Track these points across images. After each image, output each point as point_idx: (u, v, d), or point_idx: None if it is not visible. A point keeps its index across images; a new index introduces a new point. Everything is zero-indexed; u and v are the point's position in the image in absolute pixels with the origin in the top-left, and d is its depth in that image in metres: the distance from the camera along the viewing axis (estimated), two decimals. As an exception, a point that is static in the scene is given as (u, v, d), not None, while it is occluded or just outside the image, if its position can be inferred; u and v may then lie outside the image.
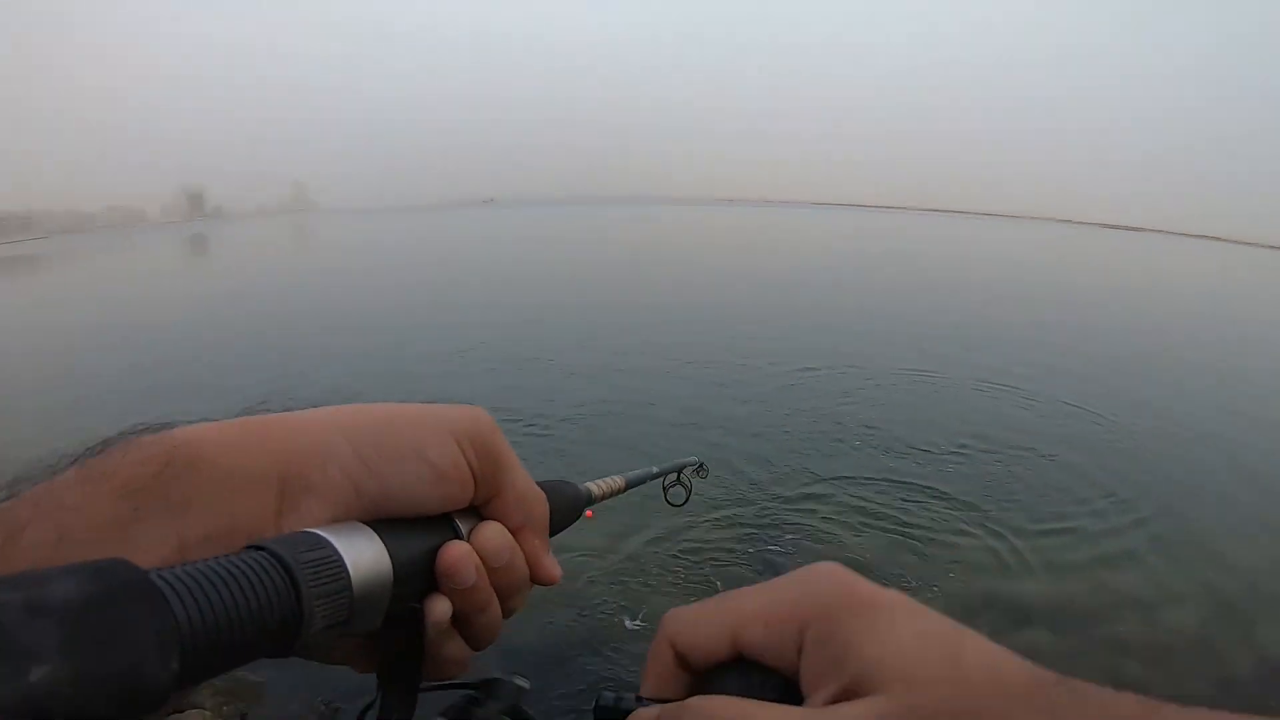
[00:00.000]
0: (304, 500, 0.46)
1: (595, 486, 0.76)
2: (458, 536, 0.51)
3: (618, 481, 0.83)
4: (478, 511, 0.53)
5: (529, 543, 0.55)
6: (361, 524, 0.46)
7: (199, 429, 0.46)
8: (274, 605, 0.36)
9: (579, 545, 6.00)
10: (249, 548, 0.39)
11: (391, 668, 0.50)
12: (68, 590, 0.28)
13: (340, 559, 0.41)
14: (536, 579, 0.56)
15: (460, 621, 0.51)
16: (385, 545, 0.45)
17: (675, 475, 1.09)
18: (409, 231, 77.50)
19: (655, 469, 1.03)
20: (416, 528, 0.49)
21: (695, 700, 0.41)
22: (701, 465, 1.17)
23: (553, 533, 0.59)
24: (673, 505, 1.10)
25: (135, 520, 0.40)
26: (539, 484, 0.58)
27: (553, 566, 0.56)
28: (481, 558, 0.51)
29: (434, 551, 0.49)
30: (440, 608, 0.49)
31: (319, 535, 0.42)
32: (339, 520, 0.46)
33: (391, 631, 0.47)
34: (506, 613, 0.54)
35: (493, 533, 0.52)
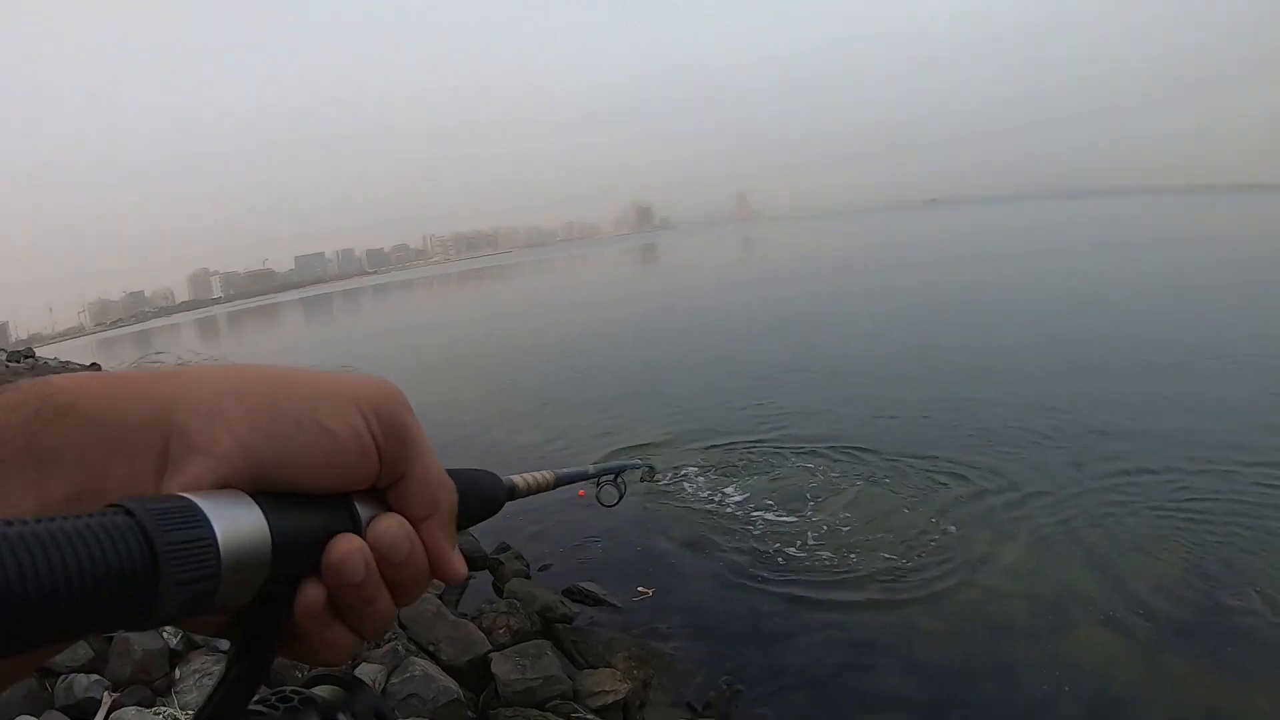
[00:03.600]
0: (187, 462, 0.41)
1: (521, 480, 0.77)
2: (354, 523, 0.46)
3: (546, 476, 0.84)
4: (381, 496, 0.48)
5: (432, 535, 0.50)
6: (243, 493, 0.40)
7: (77, 378, 0.42)
8: (125, 575, 0.32)
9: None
10: (107, 506, 0.34)
11: (247, 643, 0.44)
12: None
13: (210, 531, 0.36)
14: (438, 574, 0.51)
15: (343, 611, 0.46)
16: (266, 520, 0.40)
17: (614, 476, 1.15)
18: (846, 233, 77.88)
19: (591, 468, 1.08)
20: (307, 506, 0.44)
21: None
22: (650, 469, 1.52)
23: (465, 525, 0.56)
24: (603, 505, 1.21)
25: None
26: (451, 472, 0.54)
27: (457, 563, 0.51)
28: (376, 551, 0.46)
29: (323, 536, 0.44)
30: (313, 594, 0.44)
31: (190, 501, 0.37)
32: (224, 482, 0.41)
33: (258, 607, 0.42)
34: (401, 604, 0.49)
35: (392, 524, 0.47)
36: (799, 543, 5.84)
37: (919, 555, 5.47)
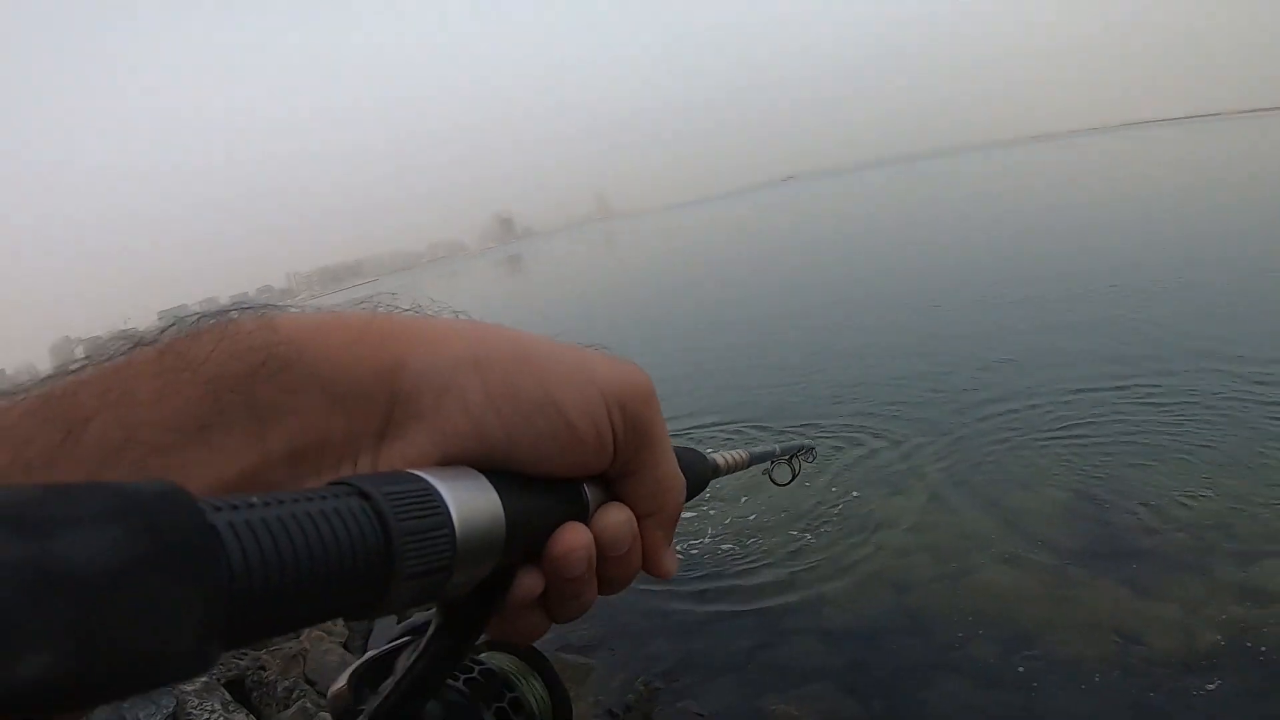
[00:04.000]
0: (412, 429, 0.40)
1: (721, 459, 0.75)
2: (582, 513, 0.45)
3: (742, 455, 0.84)
4: (609, 484, 0.47)
5: (652, 533, 0.49)
6: (480, 475, 0.39)
7: (306, 323, 0.39)
8: (358, 567, 0.30)
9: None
10: (339, 483, 0.32)
11: (450, 620, 0.42)
12: (98, 548, 0.21)
13: (449, 519, 0.35)
14: (649, 570, 0.50)
15: (550, 598, 0.45)
16: (503, 508, 0.38)
17: (791, 456, 1.15)
18: (710, 219, 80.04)
19: (778, 447, 1.12)
20: (540, 492, 0.42)
21: None
22: (812, 449, 1.28)
23: None
24: (776, 484, 1.17)
25: (216, 425, 0.35)
26: (675, 448, 0.51)
27: (670, 562, 0.50)
28: (598, 544, 0.45)
29: (551, 524, 0.43)
30: (530, 585, 0.43)
31: (428, 483, 0.35)
32: (448, 459, 0.40)
33: (473, 594, 0.40)
34: (604, 594, 0.48)
35: (619, 518, 0.46)
36: (698, 537, 5.71)
37: (819, 527, 5.45)
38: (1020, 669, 3.74)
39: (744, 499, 6.08)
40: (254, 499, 0.27)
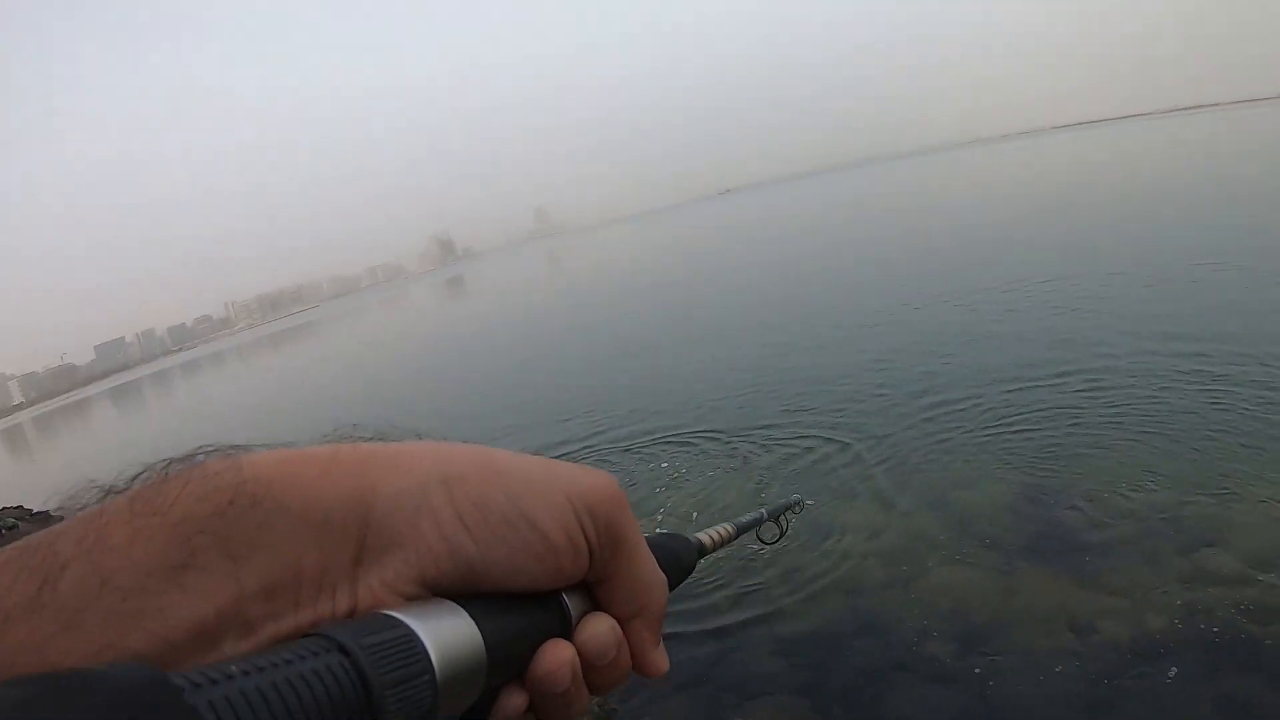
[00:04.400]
0: (387, 555, 0.40)
1: (707, 538, 0.74)
2: (565, 625, 0.44)
3: (728, 529, 0.81)
4: (589, 591, 0.47)
5: (638, 635, 0.48)
6: (457, 607, 0.39)
7: (272, 459, 0.40)
8: None
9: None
10: (317, 636, 0.34)
11: None
12: None
13: (429, 664, 0.35)
14: (638, 671, 0.50)
15: (539, 710, 0.45)
16: (483, 638, 0.39)
17: (779, 515, 1.09)
18: (648, 234, 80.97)
19: (764, 511, 1.04)
20: (519, 611, 0.42)
21: None
22: (800, 503, 1.22)
23: None
24: (765, 543, 1.09)
25: (189, 566, 0.36)
26: (654, 541, 0.53)
27: (660, 660, 0.50)
28: (583, 655, 0.45)
29: (533, 643, 0.43)
30: (516, 702, 0.43)
31: (407, 629, 0.36)
32: (425, 582, 0.40)
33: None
34: (597, 695, 0.48)
35: (602, 629, 0.46)
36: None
37: (804, 503, 5.41)
38: (976, 666, 3.74)
39: (695, 515, 6.04)
40: (233, 668, 0.28)
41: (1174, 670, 3.41)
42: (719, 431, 7.86)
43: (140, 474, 0.38)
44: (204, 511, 0.36)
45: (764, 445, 7.15)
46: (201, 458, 0.39)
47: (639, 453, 7.87)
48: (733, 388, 9.55)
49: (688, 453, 7.54)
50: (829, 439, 6.94)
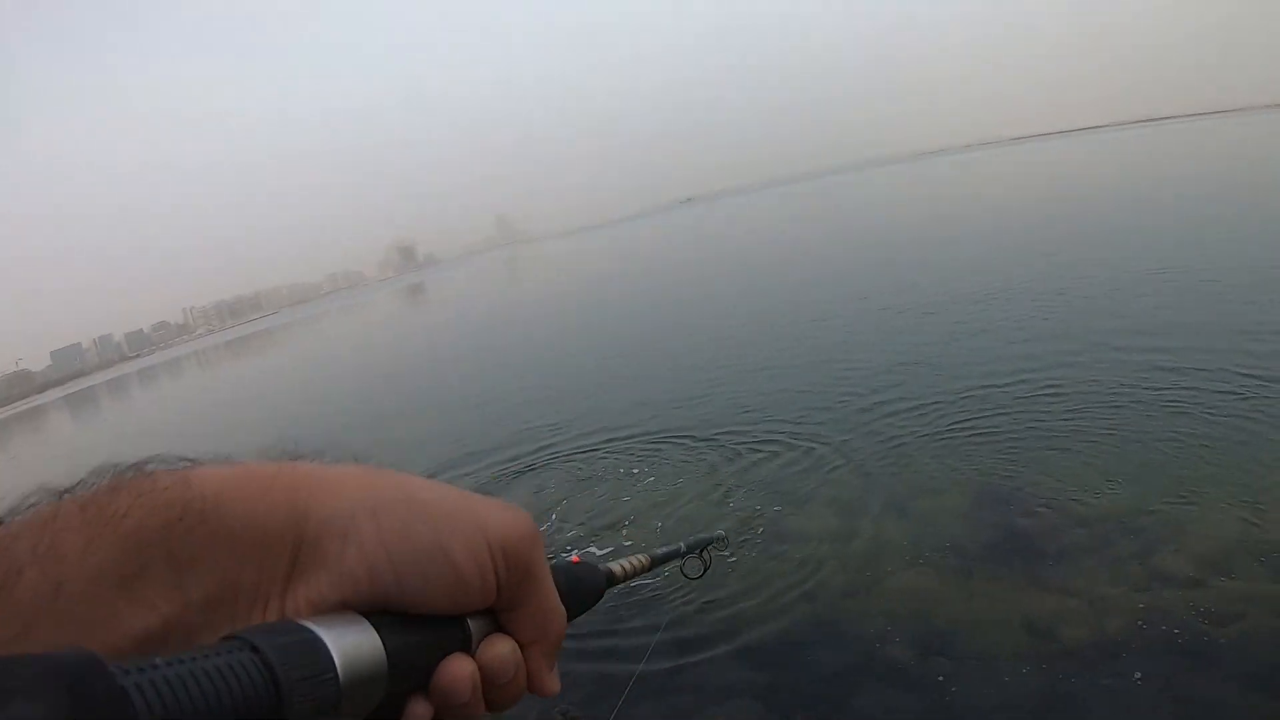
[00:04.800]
0: (314, 574, 0.44)
1: (618, 567, 0.79)
2: (466, 645, 0.48)
3: (642, 560, 0.85)
4: (493, 616, 0.50)
5: (536, 660, 0.52)
6: (364, 620, 0.43)
7: (219, 476, 0.43)
8: (253, 712, 0.34)
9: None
10: (234, 638, 0.37)
11: None
12: (30, 714, 0.26)
13: (331, 664, 0.39)
14: (534, 691, 0.54)
15: None
16: (385, 649, 0.42)
17: (701, 549, 1.14)
18: (611, 242, 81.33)
19: (683, 544, 1.11)
20: (423, 628, 0.46)
21: None
22: (723, 539, 1.23)
23: (569, 620, 0.57)
24: (688, 578, 1.13)
25: (138, 577, 0.38)
26: (561, 569, 0.56)
27: (553, 683, 0.54)
28: (484, 672, 0.48)
29: (436, 657, 0.46)
30: (420, 711, 0.46)
31: (314, 634, 0.39)
32: (345, 600, 0.44)
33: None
34: (493, 712, 0.51)
35: (502, 650, 0.49)
36: (615, 559, 5.60)
37: (732, 542, 5.40)
38: (937, 669, 3.75)
39: (658, 524, 6.02)
40: (159, 660, 0.31)
41: (1133, 672, 3.44)
42: (681, 436, 7.84)
43: (88, 485, 0.40)
44: (155, 524, 0.39)
45: (724, 450, 7.14)
46: (152, 467, 0.42)
47: (592, 456, 7.88)
48: (692, 393, 9.55)
49: (642, 457, 7.53)
50: (789, 444, 6.96)
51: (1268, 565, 4.00)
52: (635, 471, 7.19)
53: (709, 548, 1.26)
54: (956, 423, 6.53)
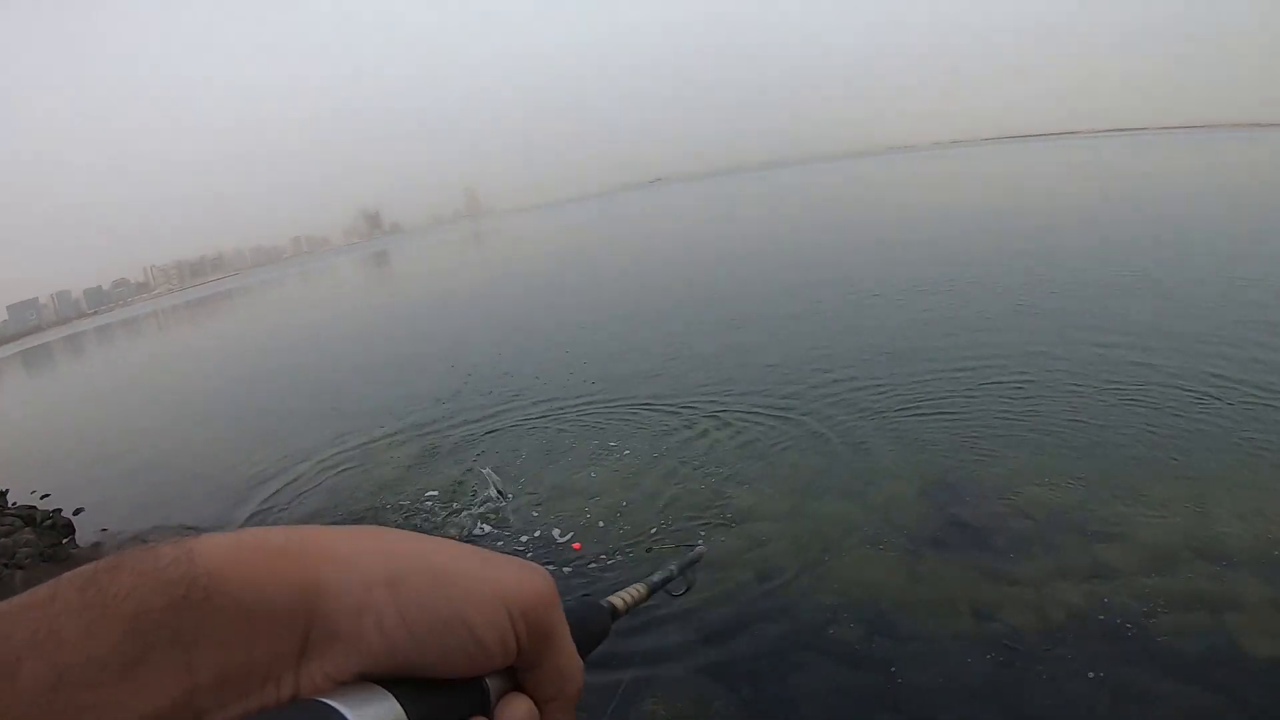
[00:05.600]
0: (330, 648, 0.42)
1: (620, 600, 0.79)
2: (484, 705, 0.48)
3: (640, 590, 0.86)
4: (512, 673, 0.50)
5: (553, 715, 0.51)
6: (386, 692, 0.42)
7: (223, 548, 0.41)
8: None
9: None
10: None
11: None
12: None
13: None
14: None
15: None
16: (407, 718, 0.42)
17: (685, 568, 1.11)
18: (578, 219, 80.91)
19: (674, 566, 1.06)
20: (443, 693, 0.46)
21: None
22: (703, 554, 1.20)
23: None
24: (670, 595, 1.11)
25: (143, 661, 0.37)
26: (570, 610, 0.55)
27: None
28: None
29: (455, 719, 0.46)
30: None
31: (339, 714, 0.39)
32: (363, 673, 0.43)
33: None
34: None
35: (520, 712, 0.49)
36: (565, 533, 5.61)
37: (684, 519, 5.44)
38: (883, 649, 3.81)
39: (623, 503, 6.02)
40: None
41: (1074, 660, 3.52)
42: (646, 403, 7.94)
43: (88, 567, 0.39)
44: (158, 604, 0.37)
45: (688, 423, 7.20)
46: (153, 542, 0.40)
47: (553, 422, 7.95)
48: (656, 367, 9.63)
49: (592, 428, 7.62)
50: (754, 422, 7.02)
51: (1209, 561, 4.11)
52: (593, 443, 7.23)
53: (692, 566, 1.25)
54: (914, 412, 6.63)
